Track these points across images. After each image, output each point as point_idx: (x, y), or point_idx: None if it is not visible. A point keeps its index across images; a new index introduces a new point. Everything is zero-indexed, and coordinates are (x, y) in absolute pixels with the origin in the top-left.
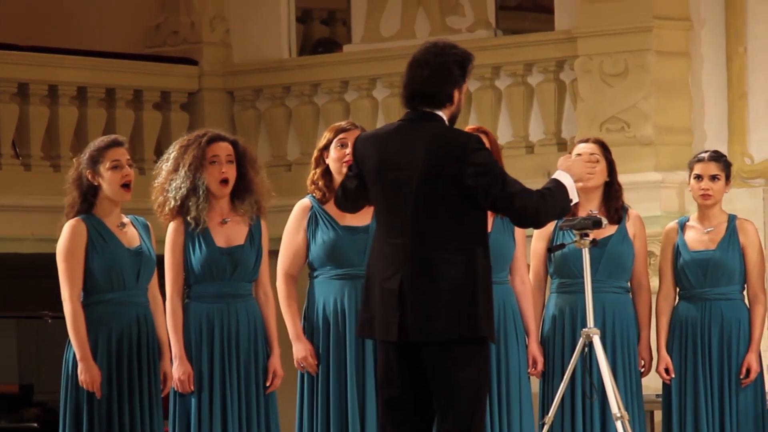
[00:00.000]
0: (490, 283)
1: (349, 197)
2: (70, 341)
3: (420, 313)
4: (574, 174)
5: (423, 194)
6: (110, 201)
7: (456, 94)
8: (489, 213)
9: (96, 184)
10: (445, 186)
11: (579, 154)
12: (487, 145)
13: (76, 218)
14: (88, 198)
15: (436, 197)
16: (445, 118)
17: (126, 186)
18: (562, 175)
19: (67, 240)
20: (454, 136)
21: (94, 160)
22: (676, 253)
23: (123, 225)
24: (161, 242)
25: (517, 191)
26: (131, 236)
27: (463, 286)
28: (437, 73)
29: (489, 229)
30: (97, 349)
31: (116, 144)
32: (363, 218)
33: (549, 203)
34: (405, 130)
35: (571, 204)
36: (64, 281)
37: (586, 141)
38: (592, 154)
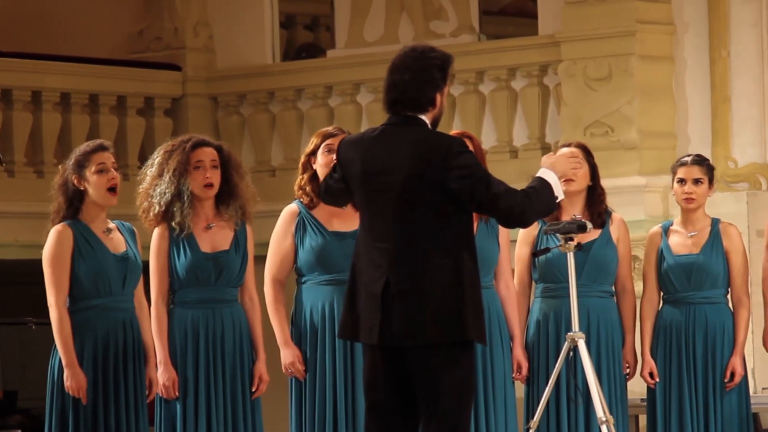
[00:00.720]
0: (477, 286)
1: (332, 193)
2: (55, 347)
3: (405, 317)
4: (557, 171)
5: (407, 198)
6: (96, 206)
7: (438, 97)
8: (474, 217)
9: (82, 189)
10: (429, 190)
11: None
12: (471, 149)
13: (62, 224)
14: (74, 203)
15: (420, 201)
16: (427, 121)
17: (112, 190)
18: (546, 173)
19: (53, 246)
20: (437, 139)
21: (80, 165)
22: (660, 257)
23: (109, 230)
24: (146, 248)
25: (501, 192)
26: (117, 242)
27: (450, 289)
28: (418, 78)
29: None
30: (83, 355)
31: (102, 148)
32: (351, 224)
33: (534, 202)
34: (388, 135)
35: (557, 201)
36: (50, 287)
37: (568, 145)
38: (574, 158)
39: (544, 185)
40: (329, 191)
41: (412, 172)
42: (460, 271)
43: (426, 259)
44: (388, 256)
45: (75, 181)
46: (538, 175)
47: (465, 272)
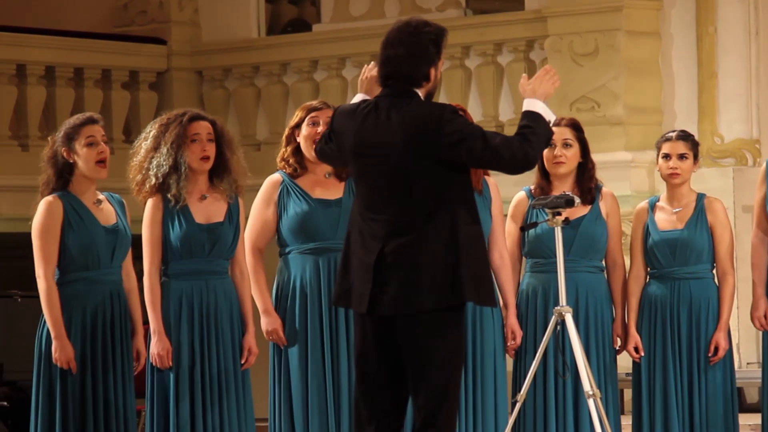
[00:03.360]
0: (478, 247)
1: (327, 155)
2: (43, 318)
3: (397, 285)
4: (540, 95)
5: (402, 169)
6: (86, 178)
7: (432, 71)
8: None
9: (71, 161)
10: (424, 159)
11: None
12: None
13: (53, 195)
14: (63, 175)
15: (415, 171)
16: (421, 95)
17: (101, 162)
18: (531, 104)
19: (43, 217)
20: (428, 109)
21: (70, 138)
22: (646, 233)
23: (99, 202)
24: (135, 221)
25: (498, 144)
26: (107, 213)
27: (444, 254)
28: (413, 53)
29: None
30: (71, 327)
31: (91, 121)
32: (335, 191)
33: (533, 141)
34: (381, 108)
35: (551, 124)
36: (38, 259)
37: (558, 124)
38: (565, 139)
39: (534, 118)
40: (324, 153)
41: (406, 144)
42: (456, 234)
43: (422, 227)
44: (384, 227)
45: (64, 154)
46: (524, 108)
47: (462, 235)
